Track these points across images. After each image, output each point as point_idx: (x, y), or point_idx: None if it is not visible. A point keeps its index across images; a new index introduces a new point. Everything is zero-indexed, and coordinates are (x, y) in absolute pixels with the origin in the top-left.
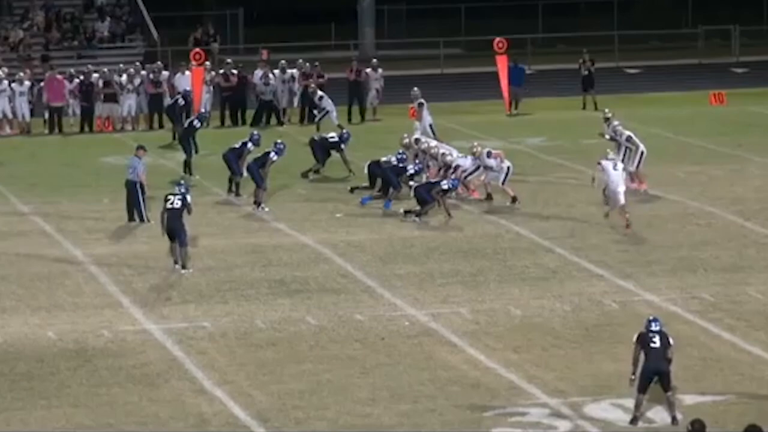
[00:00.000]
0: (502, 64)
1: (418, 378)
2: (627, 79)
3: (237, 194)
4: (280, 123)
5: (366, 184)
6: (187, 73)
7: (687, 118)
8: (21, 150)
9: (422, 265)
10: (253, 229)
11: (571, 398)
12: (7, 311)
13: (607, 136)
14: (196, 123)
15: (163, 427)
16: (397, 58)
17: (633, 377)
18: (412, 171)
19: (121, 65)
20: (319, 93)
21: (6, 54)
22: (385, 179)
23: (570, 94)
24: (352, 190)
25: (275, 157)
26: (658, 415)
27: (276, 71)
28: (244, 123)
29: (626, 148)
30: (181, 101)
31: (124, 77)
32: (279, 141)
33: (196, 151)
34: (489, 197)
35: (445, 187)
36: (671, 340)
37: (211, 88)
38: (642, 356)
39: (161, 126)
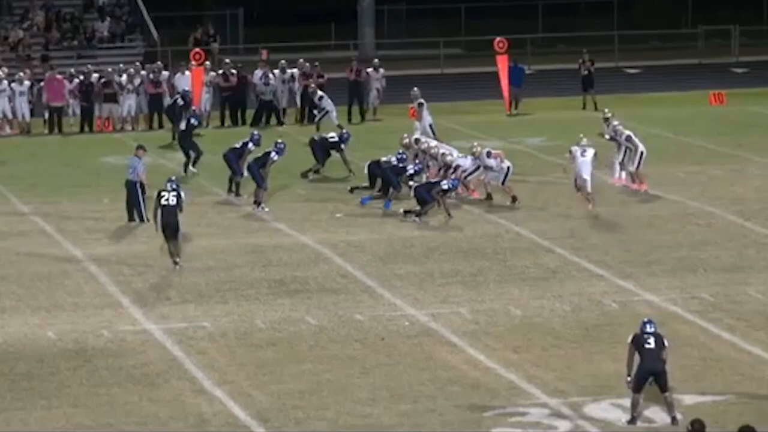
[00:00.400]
0: (502, 64)
1: (418, 378)
2: (627, 79)
3: (237, 194)
4: (280, 123)
5: (366, 184)
6: (187, 73)
7: (687, 118)
8: (21, 150)
9: (422, 265)
10: (253, 229)
11: (571, 398)
12: (7, 311)
13: (607, 136)
14: (194, 122)
15: (163, 427)
16: (397, 58)
17: (629, 379)
18: (411, 171)
19: (121, 65)
20: (319, 93)
21: (6, 54)
22: (385, 179)
23: (570, 94)
24: (352, 190)
25: (276, 157)
26: (658, 415)
27: (276, 71)
28: (244, 123)
29: (626, 148)
30: (180, 101)
31: (124, 77)
32: (280, 141)
33: (201, 151)
34: (489, 197)
35: (445, 187)
36: (666, 342)
37: (211, 88)
38: (637, 357)
39: (161, 126)
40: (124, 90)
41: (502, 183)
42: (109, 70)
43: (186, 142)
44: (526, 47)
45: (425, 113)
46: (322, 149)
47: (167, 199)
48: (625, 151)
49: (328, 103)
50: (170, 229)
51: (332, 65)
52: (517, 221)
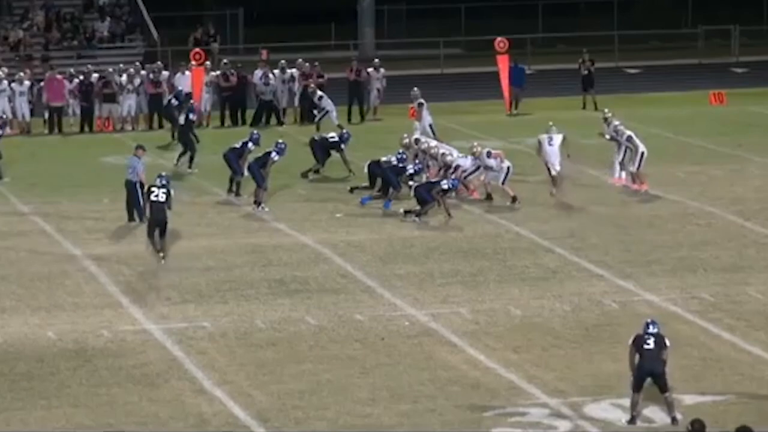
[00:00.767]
0: (503, 64)
1: (418, 378)
2: (627, 79)
3: (237, 194)
4: (280, 123)
5: (366, 184)
6: (187, 73)
7: (687, 118)
8: (21, 150)
9: (422, 265)
10: (253, 229)
11: (571, 398)
12: (7, 311)
13: (607, 136)
14: (192, 116)
15: (163, 427)
16: (397, 58)
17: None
18: (411, 171)
19: (121, 65)
20: (319, 93)
21: (6, 54)
22: (385, 179)
23: (570, 94)
24: (352, 190)
25: (276, 157)
26: (658, 414)
27: (276, 71)
28: (244, 123)
29: (626, 148)
30: (174, 101)
31: (124, 77)
32: (280, 141)
33: (196, 149)
34: (489, 197)
35: (445, 187)
36: (667, 343)
37: (211, 88)
38: (637, 357)
39: (161, 126)
40: (124, 90)
41: (502, 183)
42: (109, 70)
43: (185, 136)
44: (526, 47)
45: (425, 113)
46: (322, 149)
47: (156, 195)
48: (625, 151)
49: (328, 103)
50: (159, 226)
51: (332, 65)
52: (517, 221)
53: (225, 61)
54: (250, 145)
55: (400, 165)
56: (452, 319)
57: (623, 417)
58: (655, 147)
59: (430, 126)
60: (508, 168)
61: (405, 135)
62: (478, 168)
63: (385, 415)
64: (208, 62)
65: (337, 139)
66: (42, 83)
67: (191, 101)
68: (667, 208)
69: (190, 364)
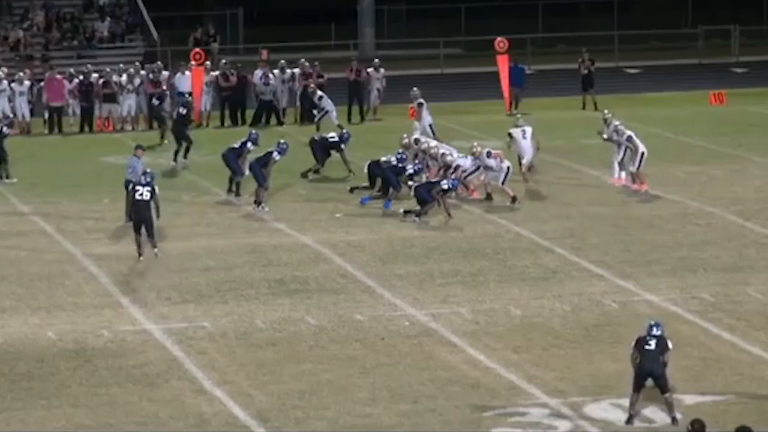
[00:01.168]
0: (503, 64)
1: (418, 378)
2: (627, 79)
3: (237, 194)
4: (280, 123)
5: (366, 184)
6: (187, 73)
7: (687, 118)
8: (21, 150)
9: (422, 265)
10: (253, 229)
11: (571, 398)
12: (7, 311)
13: (606, 136)
14: (182, 110)
15: (163, 427)
16: (397, 58)
17: None
18: (411, 171)
19: (121, 65)
20: (319, 93)
21: (6, 54)
22: (384, 179)
23: (570, 94)
24: (351, 190)
25: (278, 157)
26: (658, 414)
27: (276, 71)
28: (244, 123)
29: (626, 148)
30: (156, 101)
31: (124, 77)
32: (282, 141)
33: (192, 141)
34: (489, 197)
35: (445, 187)
36: (670, 345)
37: (211, 88)
38: (638, 358)
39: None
40: (124, 90)
41: (502, 183)
42: (109, 70)
43: (178, 131)
44: (526, 47)
45: (425, 113)
46: (322, 149)
47: (141, 194)
48: (625, 151)
49: (327, 103)
50: (143, 225)
51: (332, 65)
52: (517, 221)
53: (225, 61)
54: (249, 145)
55: (400, 165)
56: (452, 319)
57: (623, 417)
58: (655, 147)
59: (430, 126)
60: (508, 168)
61: (405, 135)
62: (478, 168)
63: (385, 415)
64: (208, 62)
65: (337, 139)
66: (42, 83)
67: (185, 97)
68: (667, 208)
69: (190, 364)
